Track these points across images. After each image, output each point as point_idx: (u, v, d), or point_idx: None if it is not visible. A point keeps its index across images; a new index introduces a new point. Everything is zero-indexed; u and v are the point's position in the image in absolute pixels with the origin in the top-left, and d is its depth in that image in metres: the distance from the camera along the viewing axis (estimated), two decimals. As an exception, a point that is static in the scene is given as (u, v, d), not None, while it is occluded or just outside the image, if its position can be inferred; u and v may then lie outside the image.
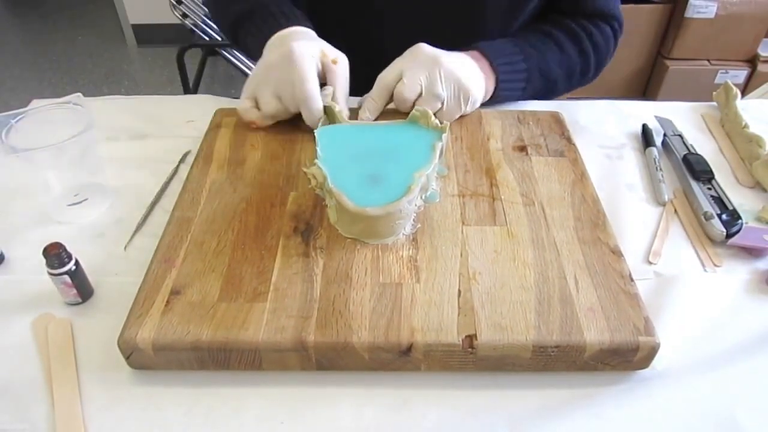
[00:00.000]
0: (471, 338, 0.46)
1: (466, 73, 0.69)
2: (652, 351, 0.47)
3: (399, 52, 0.70)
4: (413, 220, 0.57)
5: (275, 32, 0.71)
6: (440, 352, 0.47)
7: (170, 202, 0.60)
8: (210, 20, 2.08)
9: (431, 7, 0.80)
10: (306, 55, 0.65)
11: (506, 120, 0.72)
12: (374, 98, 0.69)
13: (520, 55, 0.76)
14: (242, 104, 0.69)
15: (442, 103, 0.67)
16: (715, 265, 0.58)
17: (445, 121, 0.63)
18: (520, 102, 0.80)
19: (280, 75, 0.66)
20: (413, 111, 0.65)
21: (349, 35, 0.76)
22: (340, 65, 0.69)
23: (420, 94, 0.67)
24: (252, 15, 0.76)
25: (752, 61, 2.17)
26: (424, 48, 0.68)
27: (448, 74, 0.67)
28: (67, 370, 0.49)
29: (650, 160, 0.70)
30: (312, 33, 0.73)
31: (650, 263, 0.58)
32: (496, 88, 0.74)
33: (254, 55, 0.74)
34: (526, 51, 0.76)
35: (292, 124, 0.69)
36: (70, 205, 0.64)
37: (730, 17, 2.06)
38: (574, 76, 0.82)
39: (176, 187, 0.64)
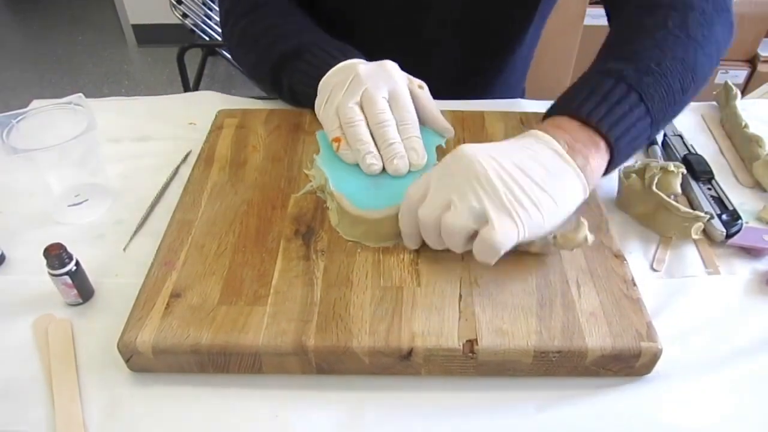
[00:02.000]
0: (472, 343, 0.46)
1: (515, 196, 0.46)
2: (654, 357, 0.47)
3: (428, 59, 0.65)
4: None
5: (332, 66, 0.63)
6: (441, 356, 0.47)
7: (171, 204, 0.60)
8: (209, 20, 2.09)
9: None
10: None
11: (509, 122, 0.71)
12: (402, 226, 0.52)
13: (623, 85, 0.52)
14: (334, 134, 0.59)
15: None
16: (716, 266, 0.58)
17: (449, 128, 0.61)
18: (521, 103, 0.80)
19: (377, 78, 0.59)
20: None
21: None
22: (426, 89, 0.62)
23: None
24: (300, 53, 0.66)
25: (752, 61, 2.17)
26: (464, 151, 0.49)
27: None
28: (68, 371, 0.48)
29: (654, 158, 0.70)
30: None
31: (655, 270, 0.58)
32: (612, 159, 0.52)
33: (301, 94, 0.67)
34: (637, 77, 0.53)
35: (294, 126, 0.69)
36: (70, 205, 0.64)
37: (730, 18, 2.06)
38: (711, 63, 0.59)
39: (177, 188, 0.64)
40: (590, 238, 0.50)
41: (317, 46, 0.66)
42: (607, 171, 0.53)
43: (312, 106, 0.65)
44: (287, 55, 0.67)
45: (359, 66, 0.61)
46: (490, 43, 0.81)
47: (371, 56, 0.64)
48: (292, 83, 0.68)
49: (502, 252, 0.46)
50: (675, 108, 0.56)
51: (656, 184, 0.61)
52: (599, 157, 0.51)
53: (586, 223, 0.50)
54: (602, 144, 0.51)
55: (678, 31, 0.56)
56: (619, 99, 0.52)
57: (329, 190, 0.55)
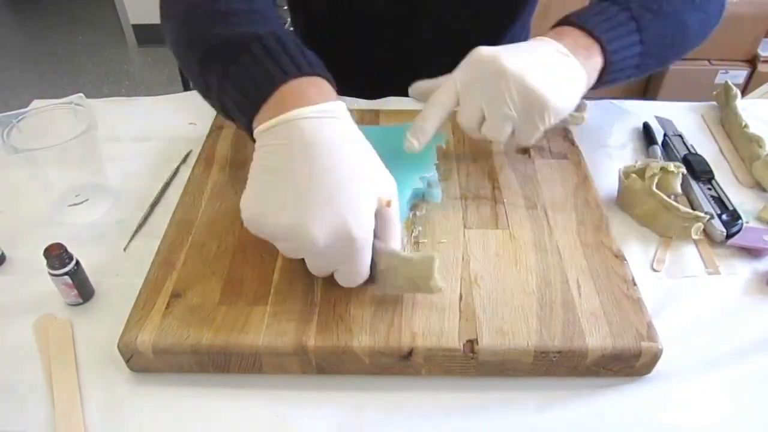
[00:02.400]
0: (472, 343, 0.46)
1: (540, 76, 0.52)
2: (655, 357, 0.47)
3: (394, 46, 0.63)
4: (412, 223, 0.57)
5: (277, 86, 0.44)
6: (441, 356, 0.47)
7: (171, 204, 0.60)
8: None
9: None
10: (369, 239, 0.44)
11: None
12: (425, 120, 0.54)
13: (626, 13, 0.57)
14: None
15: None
16: (716, 266, 0.58)
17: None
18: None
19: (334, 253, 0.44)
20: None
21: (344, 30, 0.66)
22: (393, 206, 0.46)
23: (483, 119, 0.54)
24: (248, 46, 0.47)
25: (752, 61, 2.17)
26: (481, 53, 0.54)
27: (517, 85, 0.51)
28: (68, 371, 0.48)
29: (654, 158, 0.70)
30: (338, 102, 0.46)
31: (655, 270, 0.58)
32: (605, 67, 0.56)
33: (231, 111, 0.48)
34: (639, 11, 0.58)
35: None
36: (71, 205, 0.64)
37: (730, 17, 2.03)
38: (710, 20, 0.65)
39: (177, 188, 0.64)
40: (586, 117, 0.64)
41: (262, 41, 0.47)
42: (600, 81, 0.58)
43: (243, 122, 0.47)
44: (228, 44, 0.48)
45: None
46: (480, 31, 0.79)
47: (367, 59, 0.62)
48: (224, 86, 0.47)
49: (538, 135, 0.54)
50: (664, 52, 0.61)
51: (656, 184, 0.61)
52: (596, 61, 0.56)
53: (587, 103, 0.61)
54: (598, 50, 0.56)
55: None
56: (619, 22, 0.57)
57: None
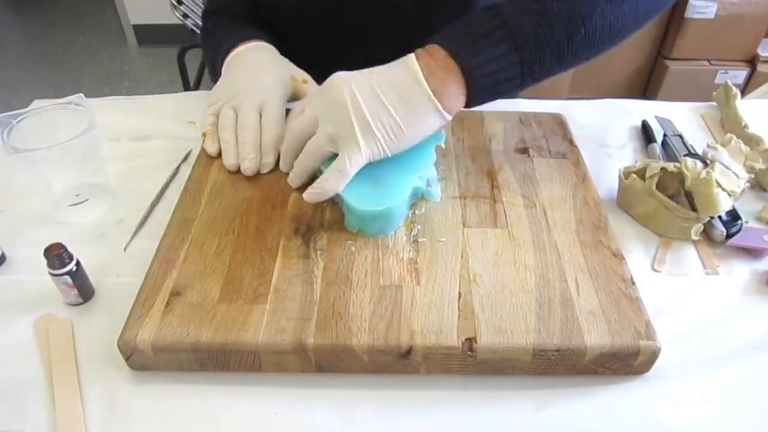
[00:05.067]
0: (471, 341, 0.46)
1: (368, 111, 0.53)
2: (653, 355, 0.47)
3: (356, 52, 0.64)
4: (412, 221, 0.57)
5: (233, 48, 0.72)
6: (440, 355, 0.47)
7: (171, 203, 0.60)
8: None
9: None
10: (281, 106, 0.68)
11: (508, 122, 0.72)
12: (287, 154, 0.61)
13: (497, 20, 0.53)
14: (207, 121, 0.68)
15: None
16: (715, 266, 0.58)
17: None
18: (522, 103, 0.80)
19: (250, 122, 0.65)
20: None
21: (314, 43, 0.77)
22: (310, 84, 0.71)
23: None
24: (213, 31, 0.79)
25: (752, 61, 2.17)
26: (332, 79, 0.56)
27: (342, 115, 0.54)
28: (68, 371, 0.49)
29: (653, 156, 0.70)
30: (271, 48, 0.73)
31: (655, 270, 0.58)
32: (469, 87, 0.54)
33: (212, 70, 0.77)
34: (514, 14, 0.53)
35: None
36: (71, 205, 0.64)
37: (730, 17, 2.06)
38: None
39: (177, 187, 0.64)
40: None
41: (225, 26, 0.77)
42: (471, 101, 0.55)
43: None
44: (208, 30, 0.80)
45: (243, 77, 0.68)
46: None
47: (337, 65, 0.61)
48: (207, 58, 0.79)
49: (347, 177, 0.55)
50: (559, 53, 0.54)
51: (656, 184, 0.61)
52: (456, 84, 0.53)
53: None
54: (458, 71, 0.53)
55: None
56: (487, 32, 0.53)
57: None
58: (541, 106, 0.79)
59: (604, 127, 0.77)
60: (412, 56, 0.55)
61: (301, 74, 0.72)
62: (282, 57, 0.74)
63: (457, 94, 0.54)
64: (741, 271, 0.58)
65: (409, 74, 0.54)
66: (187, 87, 2.01)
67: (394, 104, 0.53)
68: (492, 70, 0.53)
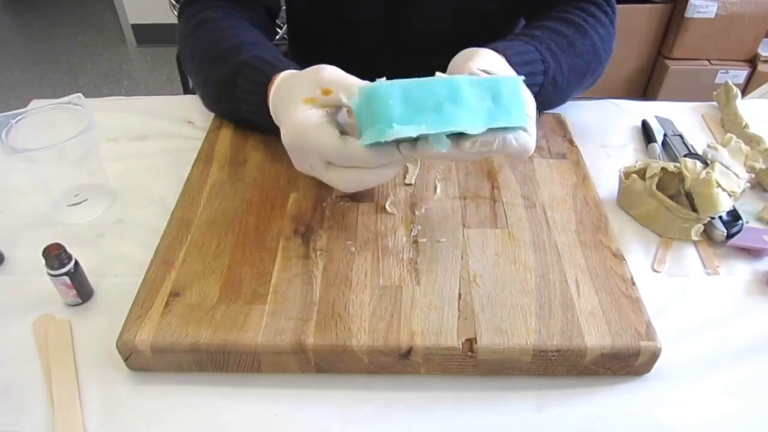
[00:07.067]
0: (471, 342, 0.46)
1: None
2: (654, 356, 0.47)
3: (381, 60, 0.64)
4: (411, 221, 0.57)
5: (269, 83, 0.60)
6: (440, 355, 0.47)
7: (170, 203, 0.60)
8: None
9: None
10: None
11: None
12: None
13: (537, 55, 0.64)
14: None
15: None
16: (716, 266, 0.58)
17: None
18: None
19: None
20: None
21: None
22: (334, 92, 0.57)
23: None
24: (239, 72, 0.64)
25: (752, 61, 2.17)
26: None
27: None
28: (67, 371, 0.48)
29: (653, 155, 0.70)
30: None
31: (655, 271, 0.58)
32: None
33: (256, 117, 0.63)
34: (543, 52, 0.65)
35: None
36: (70, 205, 0.63)
37: (730, 17, 2.06)
38: (586, 80, 0.72)
39: (177, 187, 0.63)
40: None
41: (250, 64, 0.63)
42: None
43: (261, 124, 0.62)
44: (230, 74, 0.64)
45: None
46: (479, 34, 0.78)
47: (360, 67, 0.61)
48: (239, 107, 0.65)
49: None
50: (567, 77, 0.67)
51: (656, 184, 0.61)
52: None
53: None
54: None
55: (575, 46, 0.68)
56: (523, 48, 0.64)
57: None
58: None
59: (604, 127, 0.77)
60: None
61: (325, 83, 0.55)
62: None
63: None
64: (741, 271, 0.58)
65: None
66: (186, 87, 2.00)
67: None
68: (528, 71, 0.60)
